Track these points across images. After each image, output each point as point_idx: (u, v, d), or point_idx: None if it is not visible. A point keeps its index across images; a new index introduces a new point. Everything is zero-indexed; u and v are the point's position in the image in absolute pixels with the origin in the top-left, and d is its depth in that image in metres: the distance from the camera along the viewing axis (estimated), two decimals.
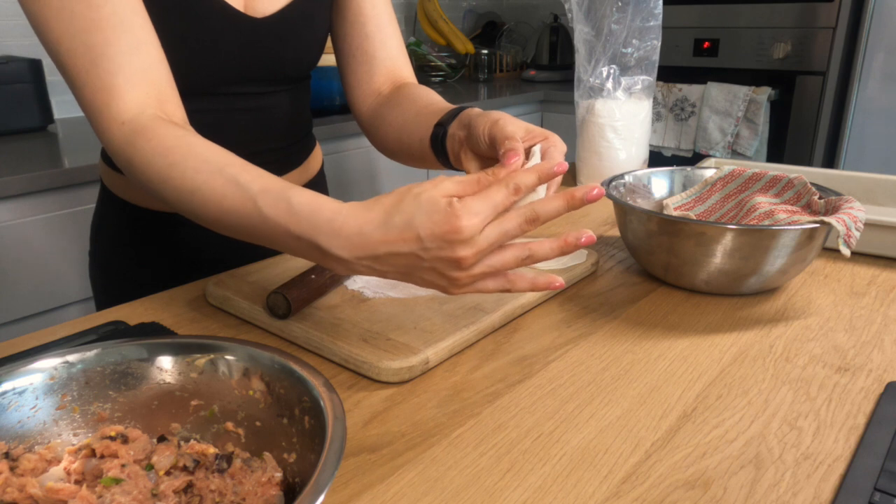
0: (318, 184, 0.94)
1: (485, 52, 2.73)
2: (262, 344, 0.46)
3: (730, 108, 2.09)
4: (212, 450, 0.41)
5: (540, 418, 0.50)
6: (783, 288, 0.73)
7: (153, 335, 0.61)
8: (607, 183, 0.78)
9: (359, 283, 0.70)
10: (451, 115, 0.69)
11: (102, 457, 0.41)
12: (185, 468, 0.40)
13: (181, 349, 0.45)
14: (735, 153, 2.12)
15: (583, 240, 0.49)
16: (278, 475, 0.40)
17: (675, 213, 0.81)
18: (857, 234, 0.63)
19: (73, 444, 0.43)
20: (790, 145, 2.10)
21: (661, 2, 1.07)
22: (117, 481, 0.38)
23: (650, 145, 1.70)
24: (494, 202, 0.48)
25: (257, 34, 0.73)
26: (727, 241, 0.65)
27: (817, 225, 0.63)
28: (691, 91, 2.16)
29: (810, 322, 0.65)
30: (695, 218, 0.80)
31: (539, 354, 0.59)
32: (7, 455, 0.41)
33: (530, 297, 0.67)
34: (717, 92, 2.11)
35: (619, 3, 1.06)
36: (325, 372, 0.57)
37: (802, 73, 2.03)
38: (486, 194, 0.48)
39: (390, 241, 0.47)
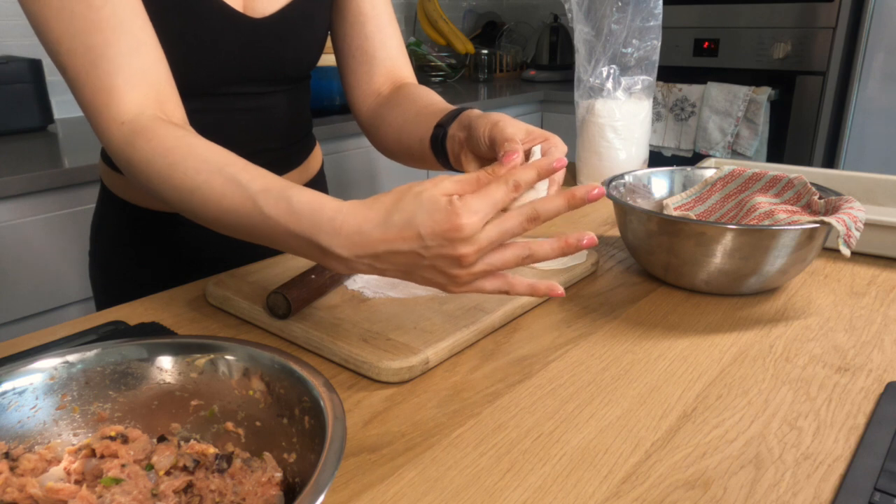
0: (317, 184, 0.94)
1: (485, 52, 2.73)
2: (262, 344, 0.46)
3: (730, 108, 2.09)
4: (212, 450, 0.41)
5: (540, 418, 0.50)
6: (783, 288, 0.73)
7: (153, 335, 0.61)
8: (607, 183, 0.78)
9: (359, 283, 0.70)
10: (451, 117, 0.69)
11: (102, 457, 0.41)
12: (185, 468, 0.40)
13: (181, 349, 0.45)
14: (735, 153, 2.12)
15: (584, 241, 0.49)
16: (278, 475, 0.40)
17: (675, 213, 0.81)
18: (857, 234, 0.63)
19: (73, 444, 0.43)
20: (790, 145, 2.10)
21: (661, 2, 1.07)
22: (117, 481, 0.38)
23: (650, 145, 1.70)
24: (494, 199, 0.48)
25: (257, 34, 0.73)
26: (727, 241, 0.65)
27: (817, 225, 0.63)
28: (691, 91, 2.16)
29: (810, 322, 0.65)
30: (695, 218, 0.80)
31: (539, 354, 0.59)
32: (7, 455, 0.41)
33: (530, 298, 0.67)
34: (717, 92, 2.11)
35: (619, 3, 1.06)
36: (325, 372, 0.57)
37: (802, 73, 2.03)
38: (485, 192, 0.48)
39: (390, 240, 0.47)
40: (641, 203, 0.82)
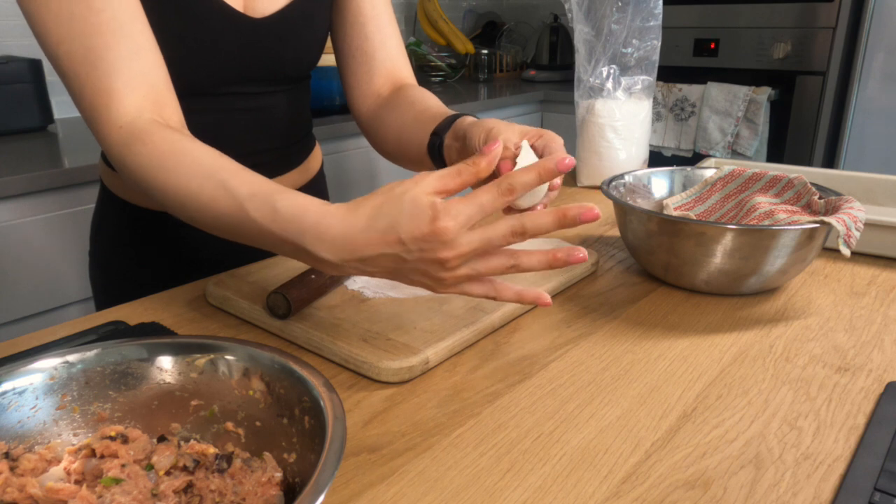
0: (317, 184, 0.94)
1: (485, 52, 2.73)
2: (262, 344, 0.46)
3: (730, 108, 2.09)
4: (212, 450, 0.41)
5: (540, 418, 0.50)
6: (783, 288, 0.73)
7: (153, 335, 0.61)
8: (607, 183, 0.78)
9: (359, 283, 0.70)
10: (446, 125, 0.69)
11: (102, 457, 0.41)
12: (185, 468, 0.40)
13: (181, 349, 0.45)
14: (735, 153, 2.12)
15: (573, 258, 0.49)
16: (278, 475, 0.40)
17: (675, 213, 0.81)
18: (857, 234, 0.63)
19: (73, 444, 0.43)
20: (790, 145, 2.10)
21: (661, 2, 1.07)
22: (117, 481, 0.38)
23: (650, 145, 1.70)
24: (480, 203, 0.47)
25: (257, 34, 0.73)
26: (727, 241, 0.65)
27: (817, 225, 0.63)
28: (691, 91, 2.16)
29: (810, 322, 0.65)
30: (695, 218, 0.80)
31: (539, 354, 0.59)
32: (7, 455, 0.41)
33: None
34: (717, 92, 2.11)
35: (619, 3, 1.06)
36: (325, 372, 0.57)
37: (802, 73, 2.03)
38: (472, 195, 0.47)
39: (374, 244, 0.48)
40: (641, 203, 0.82)
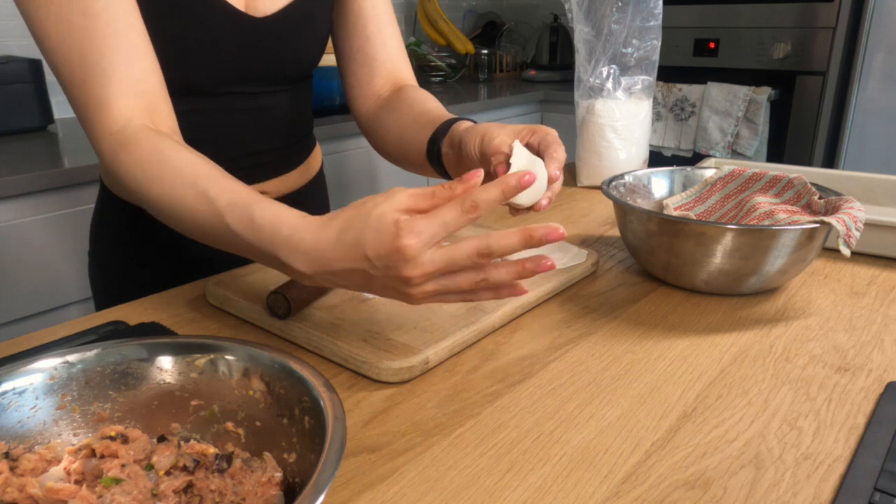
0: (317, 184, 0.94)
1: (485, 52, 2.73)
2: (262, 344, 0.46)
3: (730, 108, 2.09)
4: (212, 450, 0.41)
5: (540, 418, 0.50)
6: (783, 288, 0.73)
7: (153, 335, 0.61)
8: (607, 183, 0.78)
9: None
10: (443, 130, 0.69)
11: (102, 457, 0.41)
12: (185, 468, 0.40)
13: (181, 349, 0.45)
14: (735, 153, 2.12)
15: (540, 268, 0.48)
16: (278, 475, 0.40)
17: (675, 213, 0.81)
18: (857, 234, 0.63)
19: (73, 444, 0.43)
20: (790, 145, 2.10)
21: (661, 2, 1.07)
22: (117, 481, 0.38)
23: (650, 145, 1.69)
24: (444, 220, 0.46)
25: (258, 34, 0.73)
26: (727, 241, 0.65)
27: (817, 225, 0.63)
28: (691, 91, 2.16)
29: (810, 322, 0.65)
30: (695, 218, 0.80)
31: (539, 354, 0.59)
32: (7, 455, 0.41)
33: (530, 298, 0.67)
34: (717, 92, 2.11)
35: (619, 3, 1.06)
36: (325, 372, 0.57)
37: (802, 73, 2.03)
38: (435, 213, 0.47)
39: (342, 259, 0.48)
40: (641, 203, 0.82)
